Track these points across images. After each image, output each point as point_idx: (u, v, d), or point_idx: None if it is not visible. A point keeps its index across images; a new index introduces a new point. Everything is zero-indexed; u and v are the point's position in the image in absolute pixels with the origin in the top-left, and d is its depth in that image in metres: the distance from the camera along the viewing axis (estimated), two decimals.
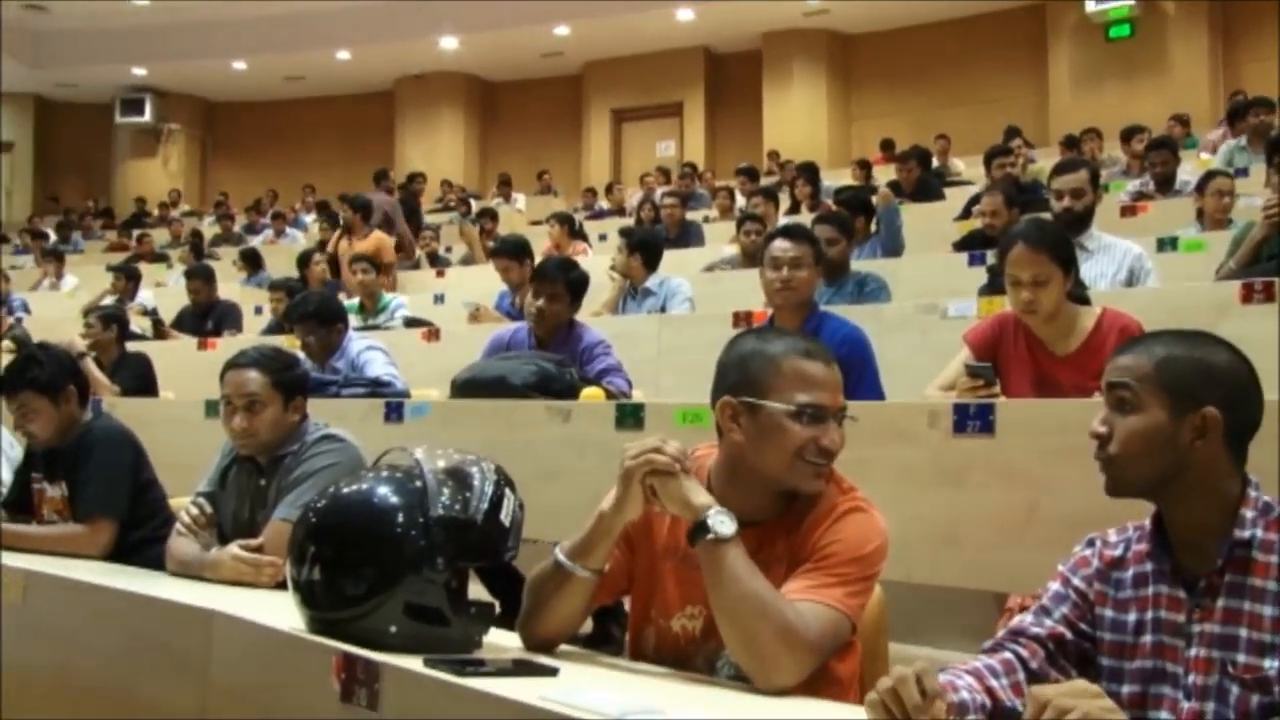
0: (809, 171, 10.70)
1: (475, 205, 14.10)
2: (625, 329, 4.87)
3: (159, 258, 13.26)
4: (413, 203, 12.68)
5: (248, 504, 3.08)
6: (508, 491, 2.05)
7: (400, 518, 1.96)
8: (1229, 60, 14.21)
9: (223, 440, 3.19)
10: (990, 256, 5.37)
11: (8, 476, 3.89)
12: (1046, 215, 4.66)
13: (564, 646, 2.09)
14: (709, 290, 6.51)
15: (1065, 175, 4.61)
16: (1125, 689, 1.72)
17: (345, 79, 19.15)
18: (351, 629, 1.94)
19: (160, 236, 14.91)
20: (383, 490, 2.01)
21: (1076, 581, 1.81)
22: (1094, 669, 1.76)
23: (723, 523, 1.87)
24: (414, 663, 1.81)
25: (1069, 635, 1.79)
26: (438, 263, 10.79)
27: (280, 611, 2.17)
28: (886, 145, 14.09)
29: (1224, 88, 13.65)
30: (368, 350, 5.08)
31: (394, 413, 4.17)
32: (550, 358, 4.17)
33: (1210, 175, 6.59)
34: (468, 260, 10.54)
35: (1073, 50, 14.97)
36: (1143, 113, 11.35)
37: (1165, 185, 7.84)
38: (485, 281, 7.87)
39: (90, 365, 5.98)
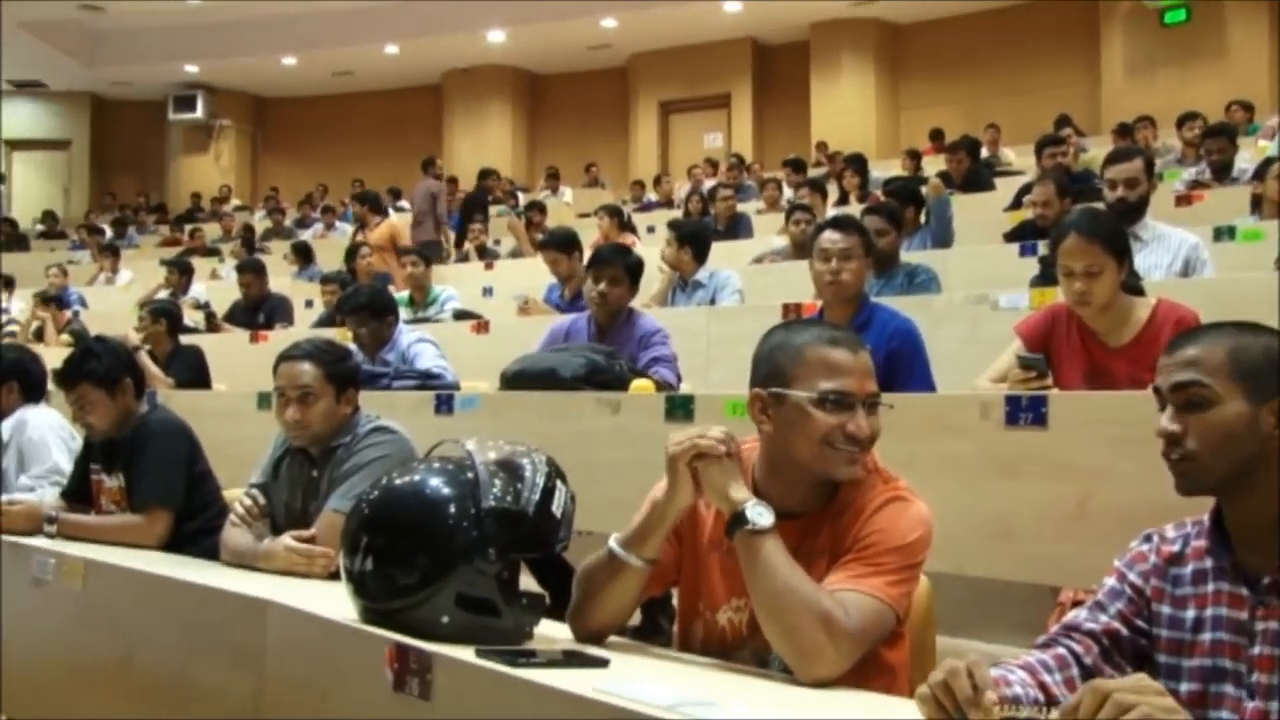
0: (857, 162, 10.64)
1: (523, 198, 14.14)
2: (674, 321, 4.87)
3: (211, 252, 13.44)
4: (483, 199, 12.74)
5: (300, 495, 3.11)
6: (559, 483, 2.05)
7: (452, 509, 1.97)
8: None
9: (275, 432, 3.23)
10: (1042, 247, 5.32)
11: (68, 467, 3.95)
12: (1099, 205, 4.60)
13: (613, 638, 2.09)
14: (758, 282, 6.49)
15: (1119, 164, 4.55)
16: (1184, 687, 1.70)
17: (393, 73, 19.27)
18: (404, 619, 1.95)
19: (212, 231, 15.10)
20: (435, 482, 2.02)
21: (1133, 577, 1.79)
22: (1150, 666, 1.74)
23: (760, 514, 1.87)
24: (466, 653, 1.82)
25: (1124, 631, 1.76)
26: (486, 255, 10.84)
27: (333, 602, 2.18)
28: (936, 135, 13.97)
29: None
30: (418, 343, 5.12)
31: (444, 405, 4.19)
32: (600, 349, 4.17)
33: (1268, 162, 6.47)
34: (516, 253, 10.59)
35: (1126, 37, 14.75)
36: (1198, 100, 11.14)
37: (1222, 173, 7.70)
38: (534, 274, 7.90)
39: (145, 358, 6.06)
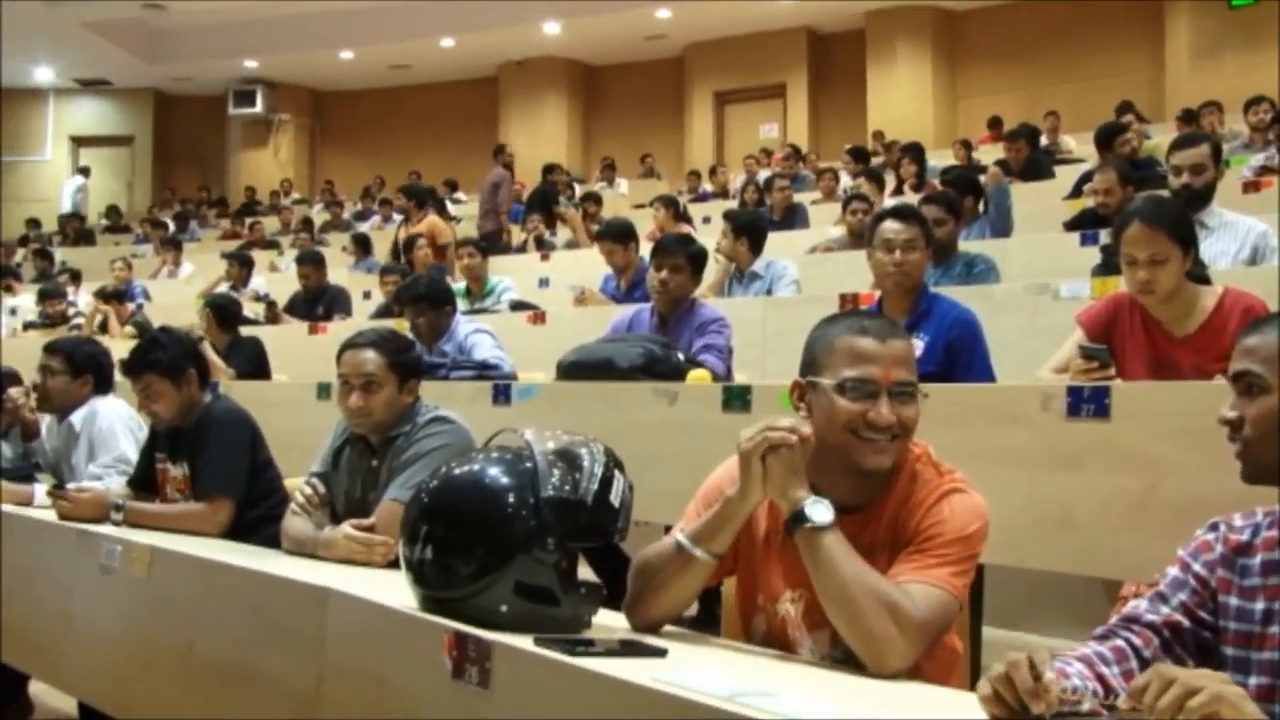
0: (914, 151, 10.54)
1: (579, 189, 14.17)
2: (731, 312, 4.85)
3: (270, 245, 13.59)
4: (552, 193, 12.80)
5: (359, 484, 3.13)
6: (617, 473, 2.05)
7: (511, 498, 1.98)
8: None
9: (335, 421, 3.26)
10: (1103, 236, 5.24)
11: (135, 456, 4.02)
12: (1163, 192, 4.52)
13: (669, 627, 2.09)
14: (815, 272, 6.46)
15: (1185, 150, 4.47)
16: (1253, 680, 1.66)
17: (449, 66, 19.37)
18: (463, 608, 1.97)
19: (271, 224, 15.28)
20: (494, 471, 2.03)
21: (1197, 567, 1.75)
22: (1214, 659, 1.70)
23: (820, 511, 1.87)
24: (524, 642, 1.83)
25: (1187, 623, 1.73)
26: (543, 246, 10.89)
27: (393, 590, 2.20)
28: (994, 123, 13.82)
29: None
30: (475, 333, 5.14)
31: (502, 395, 4.21)
32: (657, 339, 4.17)
33: None
34: (572, 244, 10.61)
35: (1192, 20, 14.45)
36: (1266, 84, 10.89)
37: None
38: (590, 265, 7.91)
39: (208, 349, 6.16)
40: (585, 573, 2.76)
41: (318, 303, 8.31)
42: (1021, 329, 4.49)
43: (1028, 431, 2.94)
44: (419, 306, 5.22)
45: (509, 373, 4.87)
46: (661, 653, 1.81)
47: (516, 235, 11.87)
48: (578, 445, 2.08)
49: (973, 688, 1.54)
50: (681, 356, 4.11)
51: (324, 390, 4.84)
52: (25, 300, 10.89)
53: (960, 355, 3.74)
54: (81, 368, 4.39)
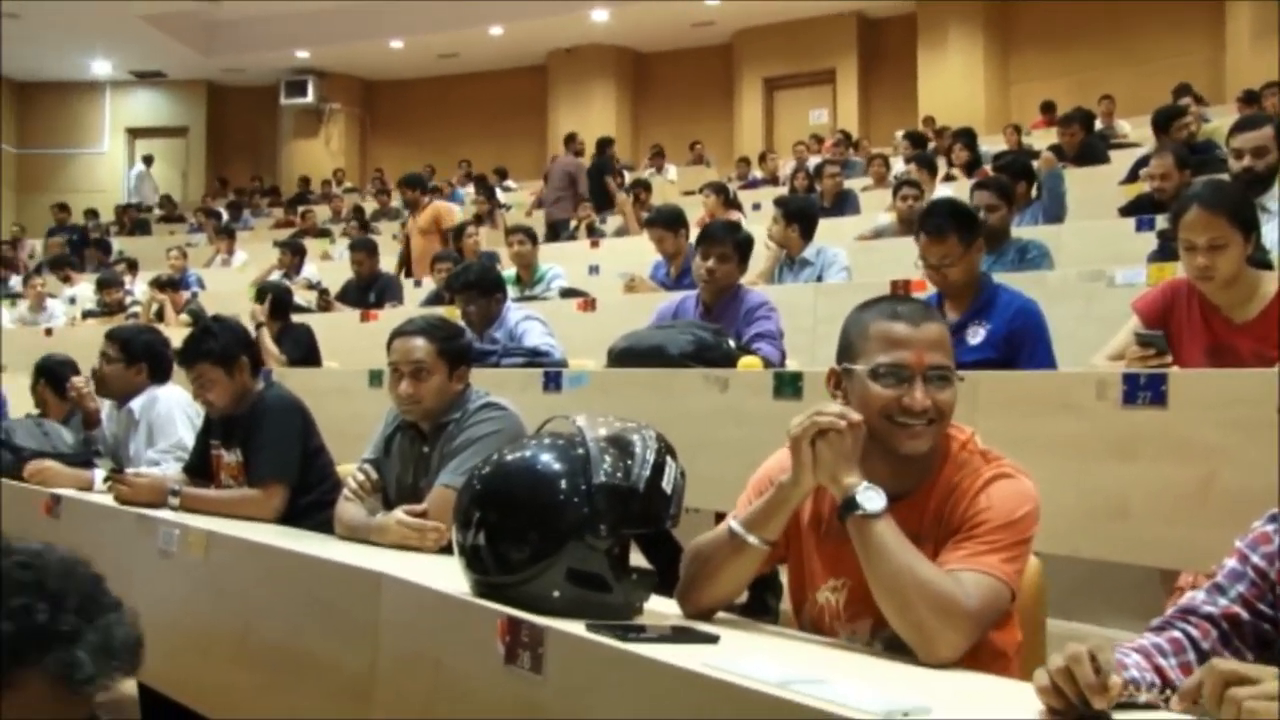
0: (966, 137, 10.44)
1: (628, 176, 14.18)
2: (781, 298, 4.83)
3: (322, 233, 13.71)
4: (608, 166, 12.96)
5: (411, 470, 3.15)
6: (669, 459, 2.05)
7: (563, 485, 1.99)
8: None
9: (386, 408, 3.28)
10: (1160, 221, 5.17)
11: (191, 442, 4.07)
12: (1223, 176, 4.45)
13: (721, 614, 2.09)
14: (865, 259, 6.42)
15: (1246, 132, 4.39)
16: None
17: (498, 54, 19.43)
18: (515, 593, 1.97)
19: (322, 213, 15.40)
20: (546, 457, 2.04)
21: (1256, 559, 1.72)
22: (1273, 652, 1.67)
23: (871, 498, 1.85)
24: (577, 627, 1.84)
25: (1245, 615, 1.70)
26: (593, 233, 10.90)
27: (445, 575, 2.22)
28: (1047, 108, 13.64)
29: None
30: (526, 320, 5.15)
31: (552, 382, 4.22)
32: (708, 326, 4.16)
33: None
34: (622, 231, 10.61)
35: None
36: None
37: None
38: (640, 252, 7.91)
39: (265, 336, 6.24)
40: (638, 560, 2.77)
41: (369, 290, 8.37)
42: (1075, 316, 4.44)
43: (1083, 419, 2.91)
44: (470, 294, 5.24)
45: (559, 360, 4.88)
46: (713, 639, 1.81)
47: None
48: (630, 432, 2.08)
49: (1029, 678, 1.53)
50: (732, 344, 4.10)
51: (375, 377, 4.89)
52: (84, 289, 11.06)
53: (1023, 345, 3.71)
54: (136, 355, 4.47)
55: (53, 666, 1.34)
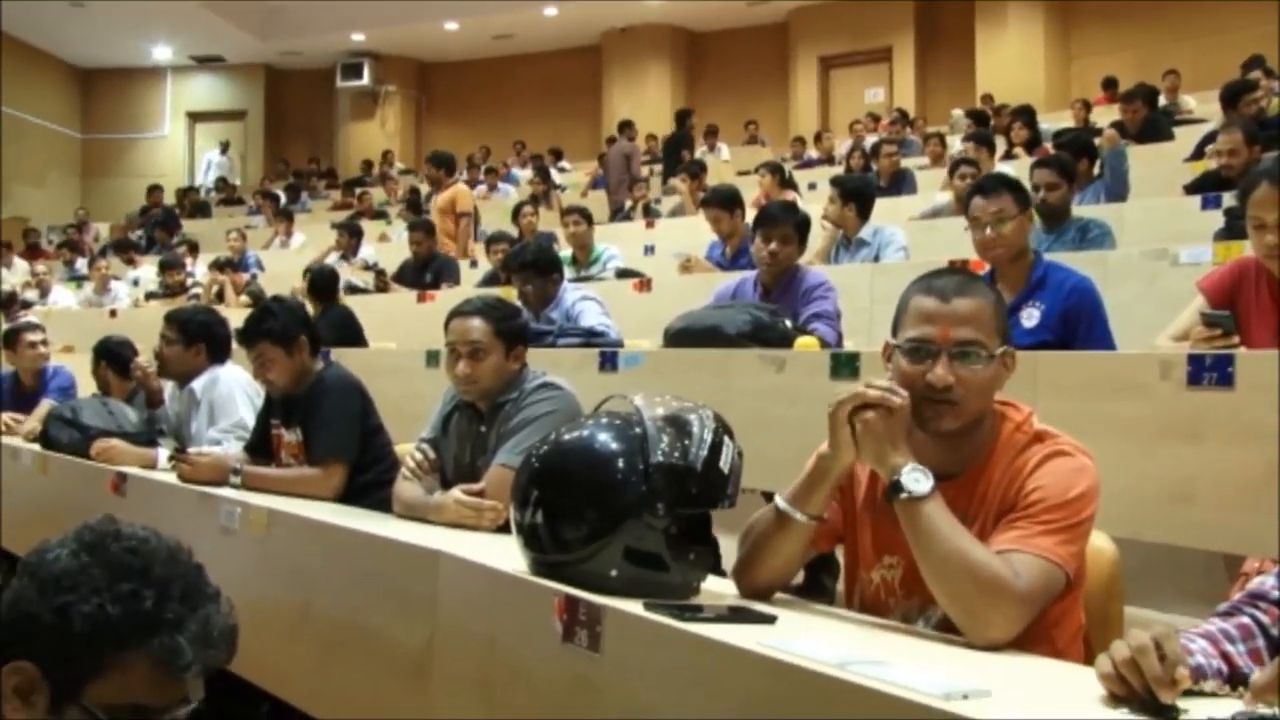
0: (1026, 114, 10.29)
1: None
2: (838, 279, 4.79)
3: (379, 215, 13.80)
4: (687, 138, 13.09)
5: (468, 450, 3.17)
6: (726, 439, 2.05)
7: (621, 464, 1.99)
8: None
9: (444, 388, 3.30)
10: (1227, 199, 5.07)
11: (252, 422, 4.12)
12: None
13: (778, 595, 2.08)
14: (923, 239, 6.37)
15: None
16: None
17: (552, 35, 19.44)
18: (572, 572, 1.98)
19: (379, 195, 15.50)
20: (604, 437, 2.04)
21: None
22: None
23: (917, 480, 1.83)
24: (634, 606, 1.84)
25: None
26: (648, 214, 10.88)
27: (503, 554, 2.23)
28: (1109, 84, 13.39)
29: None
30: (582, 301, 5.15)
31: (608, 362, 4.22)
32: (764, 306, 4.14)
33: None
34: (677, 211, 10.59)
35: None
36: None
37: None
38: (695, 232, 7.89)
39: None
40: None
41: (426, 271, 8.42)
42: (1138, 296, 4.37)
43: (1146, 401, 2.87)
44: (526, 274, 5.24)
45: (615, 340, 4.88)
46: (770, 620, 1.81)
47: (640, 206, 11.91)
48: (687, 411, 2.07)
49: (1090, 662, 1.51)
50: (789, 323, 4.07)
51: (432, 358, 4.92)
52: (147, 271, 11.23)
53: (1079, 324, 3.65)
54: (194, 336, 4.52)
55: (156, 651, 1.40)
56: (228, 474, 3.53)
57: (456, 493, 2.94)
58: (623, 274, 6.87)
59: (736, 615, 1.83)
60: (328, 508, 3.26)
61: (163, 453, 4.06)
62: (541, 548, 2.04)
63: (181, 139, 21.69)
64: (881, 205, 6.88)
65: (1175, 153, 8.47)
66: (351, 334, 6.66)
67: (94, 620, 1.38)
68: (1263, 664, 1.56)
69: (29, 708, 1.41)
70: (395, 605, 2.53)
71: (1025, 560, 1.78)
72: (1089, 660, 1.79)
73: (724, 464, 2.02)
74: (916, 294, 1.97)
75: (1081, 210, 5.63)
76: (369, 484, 3.55)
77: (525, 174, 15.06)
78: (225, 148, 20.24)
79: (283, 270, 10.26)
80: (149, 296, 10.34)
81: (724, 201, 6.24)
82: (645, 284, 6.25)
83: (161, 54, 20.79)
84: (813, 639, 1.65)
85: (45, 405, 5.41)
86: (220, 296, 9.35)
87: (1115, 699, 1.41)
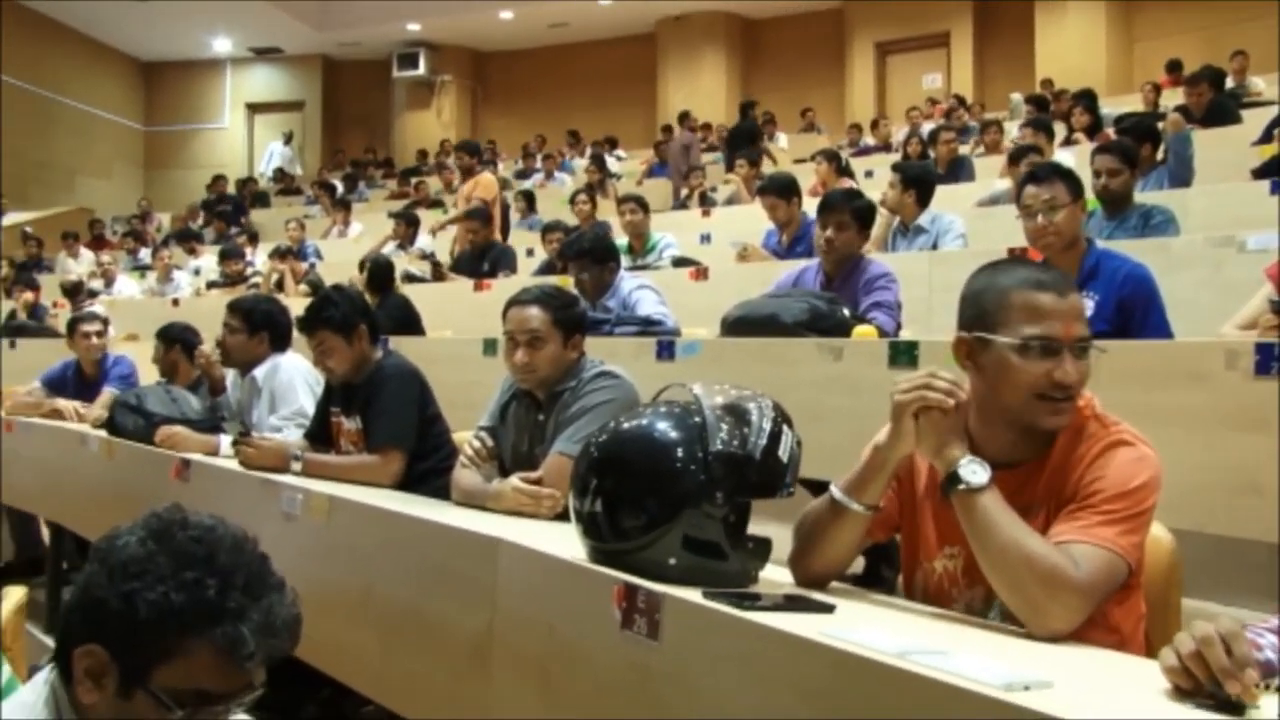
0: (1087, 99, 10.14)
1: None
2: (896, 267, 4.75)
3: (435, 204, 13.89)
4: (755, 129, 13.08)
5: (526, 438, 3.18)
6: (785, 428, 2.04)
7: (680, 452, 1.99)
8: None
9: (502, 376, 3.32)
10: None
11: (312, 410, 4.17)
12: None
13: (835, 584, 2.08)
14: (981, 226, 6.30)
15: None
16: None
17: (607, 24, 19.43)
18: (631, 560, 1.99)
19: (435, 184, 15.59)
20: (663, 425, 2.04)
21: None
22: None
23: (974, 472, 1.82)
24: (693, 594, 1.85)
25: None
26: (704, 203, 10.86)
27: (562, 541, 2.24)
28: (1173, 66, 13.15)
29: None
30: (639, 289, 5.14)
31: (665, 351, 4.22)
32: (822, 295, 4.12)
33: None
34: (733, 199, 10.57)
35: None
36: None
37: None
38: (751, 220, 7.86)
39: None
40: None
41: (483, 259, 8.46)
42: (1202, 283, 4.29)
43: (1210, 391, 2.82)
44: (582, 262, 5.25)
45: (673, 328, 4.88)
46: (829, 609, 1.81)
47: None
48: (746, 400, 2.07)
49: (1152, 654, 1.50)
50: (847, 312, 4.05)
51: (490, 346, 4.95)
52: (208, 261, 11.40)
53: (1134, 312, 3.59)
54: (258, 325, 4.59)
55: (219, 639, 1.42)
56: (289, 460, 3.58)
57: (515, 480, 2.95)
58: (679, 262, 6.86)
59: (795, 604, 1.83)
60: (388, 494, 3.29)
61: (225, 439, 4.12)
62: (600, 536, 2.05)
63: (241, 130, 21.97)
64: (939, 192, 6.81)
65: (1243, 136, 8.32)
66: (409, 323, 6.71)
67: (159, 607, 1.41)
68: None
69: (100, 690, 1.45)
70: (455, 592, 2.55)
71: (1085, 551, 1.76)
72: (1149, 653, 1.77)
73: (783, 453, 2.01)
74: (1022, 289, 1.91)
75: (1144, 197, 5.54)
76: (427, 471, 3.58)
77: (581, 163, 15.10)
78: (289, 138, 20.49)
79: (341, 259, 10.36)
80: (210, 286, 10.49)
81: (781, 189, 6.22)
82: (702, 272, 6.23)
83: (221, 46, 21.06)
84: (872, 628, 1.64)
85: (108, 393, 5.53)
86: (280, 285, 9.46)
87: (1180, 692, 1.39)
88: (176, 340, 5.35)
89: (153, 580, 1.42)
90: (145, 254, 13.45)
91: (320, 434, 3.93)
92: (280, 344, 4.64)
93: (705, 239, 8.34)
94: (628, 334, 4.69)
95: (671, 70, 19.27)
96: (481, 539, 2.49)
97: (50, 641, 4.56)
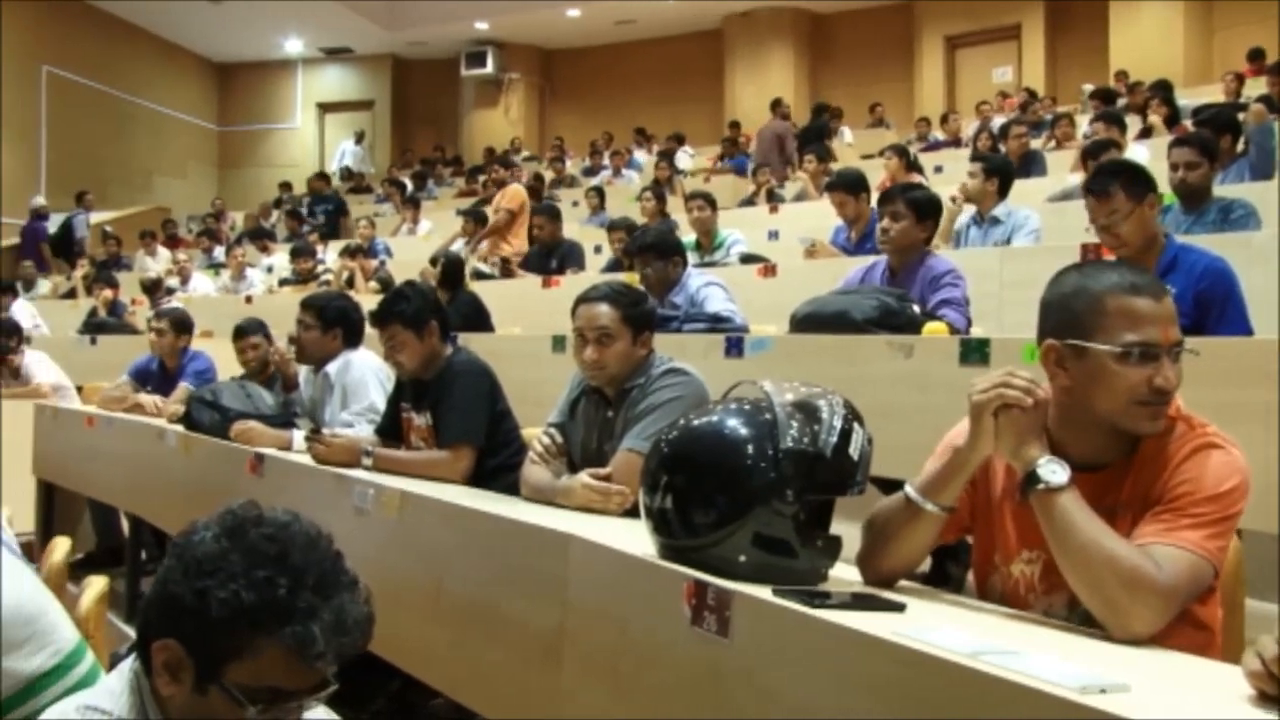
0: (1165, 90, 9.95)
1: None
2: (967, 263, 4.70)
3: None
4: (826, 128, 13.10)
5: (595, 434, 3.19)
6: (856, 425, 2.03)
7: (750, 449, 1.98)
8: None
9: (571, 373, 3.33)
10: None
11: (383, 406, 4.22)
12: None
13: (904, 583, 2.07)
14: (1054, 222, 6.20)
15: None
16: None
17: (674, 20, 19.41)
18: (701, 557, 1.99)
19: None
20: (733, 422, 2.03)
21: None
22: None
23: (1054, 472, 1.80)
24: (763, 592, 1.84)
25: None
26: (772, 199, 10.82)
27: (632, 538, 2.25)
28: (1255, 55, 12.85)
29: None
30: (707, 286, 5.14)
31: (734, 348, 4.21)
32: (892, 291, 4.09)
33: None
34: (801, 196, 10.52)
35: None
36: None
37: None
38: (819, 217, 7.82)
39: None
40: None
41: (551, 256, 8.51)
42: None
43: None
44: (646, 257, 5.25)
45: (741, 325, 4.87)
46: (900, 607, 1.80)
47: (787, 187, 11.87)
48: (816, 397, 2.06)
49: (1232, 660, 1.47)
50: (917, 309, 4.02)
51: (559, 343, 4.97)
52: (280, 259, 11.57)
53: (1211, 307, 3.53)
54: (331, 322, 4.66)
55: (288, 639, 1.43)
56: (360, 456, 3.62)
57: (584, 477, 2.96)
58: (747, 259, 6.85)
59: (865, 602, 1.82)
60: (459, 490, 3.32)
61: (298, 434, 4.18)
62: (671, 532, 2.05)
63: (312, 129, 22.27)
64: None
65: None
66: (479, 320, 6.76)
67: (230, 605, 1.42)
68: None
69: (177, 683, 1.47)
70: (526, 587, 2.57)
71: (1169, 553, 1.74)
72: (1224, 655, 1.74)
73: (854, 450, 2.00)
74: (1117, 294, 1.87)
75: (1224, 190, 5.43)
76: (497, 468, 3.60)
77: (648, 159, 15.11)
78: (360, 137, 20.72)
79: (410, 257, 10.45)
80: (282, 283, 10.65)
81: (849, 185, 6.18)
82: (770, 269, 6.21)
83: (293, 47, 21.36)
84: (944, 627, 1.63)
85: (182, 389, 5.64)
86: (350, 283, 9.58)
87: (1265, 698, 1.36)
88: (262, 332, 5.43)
89: (225, 578, 1.44)
90: (219, 252, 13.67)
91: (391, 430, 3.98)
92: (353, 340, 4.71)
93: (773, 235, 8.31)
94: (696, 331, 4.69)
95: (739, 66, 19.20)
96: (552, 535, 2.51)
97: (129, 630, 4.67)
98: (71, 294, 12.52)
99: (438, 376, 3.78)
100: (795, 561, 1.97)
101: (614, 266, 7.51)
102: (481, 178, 15.79)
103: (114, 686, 1.56)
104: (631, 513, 2.59)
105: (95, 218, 16.42)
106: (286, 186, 18.31)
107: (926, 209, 4.53)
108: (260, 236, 12.89)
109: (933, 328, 3.86)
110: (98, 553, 6.08)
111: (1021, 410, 1.85)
